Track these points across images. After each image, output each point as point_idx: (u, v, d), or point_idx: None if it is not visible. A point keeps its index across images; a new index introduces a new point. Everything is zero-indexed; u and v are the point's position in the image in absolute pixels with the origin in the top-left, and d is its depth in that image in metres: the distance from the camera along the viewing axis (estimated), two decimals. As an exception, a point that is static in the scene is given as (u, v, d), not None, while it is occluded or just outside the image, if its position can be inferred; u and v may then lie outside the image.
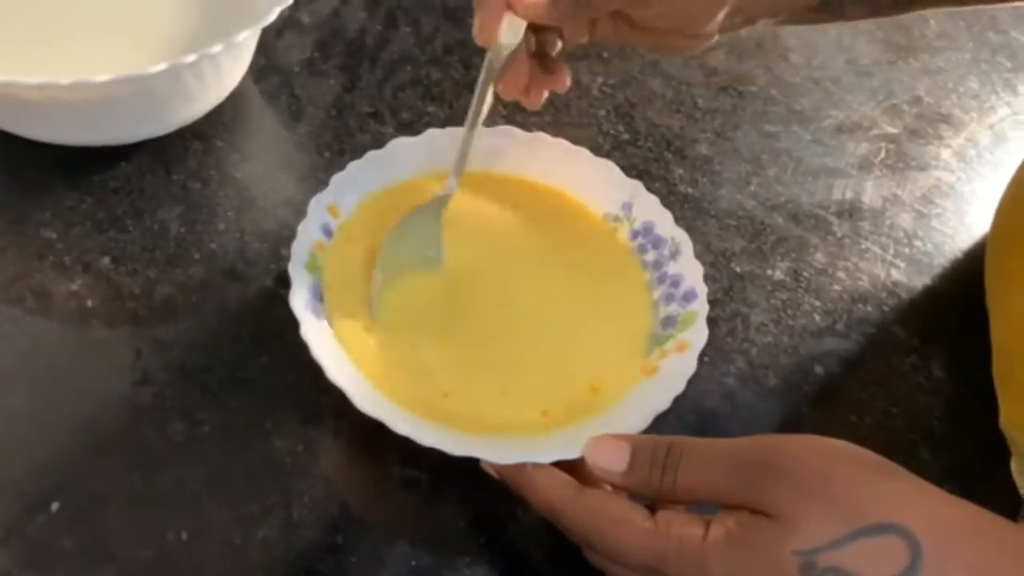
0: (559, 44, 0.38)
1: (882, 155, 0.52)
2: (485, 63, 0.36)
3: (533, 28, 0.36)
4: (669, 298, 0.39)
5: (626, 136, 0.51)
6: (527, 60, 0.37)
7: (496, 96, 0.38)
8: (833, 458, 0.28)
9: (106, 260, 0.41)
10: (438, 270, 0.39)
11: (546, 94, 0.39)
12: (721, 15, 0.36)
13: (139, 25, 0.48)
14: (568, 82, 0.39)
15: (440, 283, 0.39)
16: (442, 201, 0.39)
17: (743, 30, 0.39)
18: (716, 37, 0.38)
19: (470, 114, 0.38)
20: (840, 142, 0.53)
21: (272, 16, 0.41)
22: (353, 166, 0.39)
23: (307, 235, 0.36)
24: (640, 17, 0.37)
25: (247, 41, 0.44)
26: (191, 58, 0.39)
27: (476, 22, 0.35)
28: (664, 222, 0.41)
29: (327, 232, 0.38)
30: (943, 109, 0.56)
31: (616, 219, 0.42)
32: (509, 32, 0.35)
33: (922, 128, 0.54)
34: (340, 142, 0.48)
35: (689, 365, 0.35)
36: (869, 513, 0.26)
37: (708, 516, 0.29)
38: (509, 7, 0.35)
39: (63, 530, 0.33)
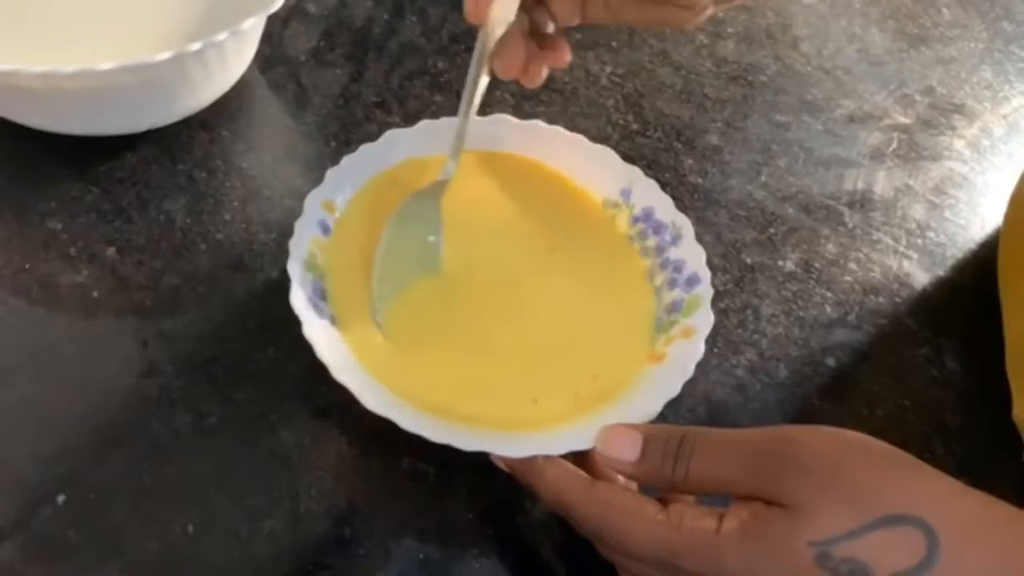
0: (551, 24, 0.37)
1: (894, 145, 0.52)
2: (478, 42, 0.35)
3: (525, 7, 0.36)
4: (672, 283, 0.38)
5: (635, 126, 0.50)
6: (523, 38, 0.36)
7: (495, 79, 0.37)
8: (848, 449, 0.27)
9: (112, 251, 0.41)
10: (438, 257, 0.39)
11: (545, 72, 0.38)
12: None
13: (144, 13, 0.47)
14: (568, 57, 0.38)
15: (440, 275, 0.38)
16: (440, 186, 0.38)
17: (736, 2, 0.37)
18: (710, 10, 0.36)
19: (464, 95, 0.37)
20: (851, 132, 0.52)
21: (278, 4, 0.41)
22: (347, 159, 0.39)
23: (304, 232, 0.36)
24: None
25: (253, 29, 0.44)
26: (196, 46, 0.39)
27: (470, 2, 0.34)
28: (664, 207, 0.40)
29: (324, 228, 0.37)
30: (956, 99, 0.55)
31: (615, 205, 0.41)
32: (502, 10, 0.34)
33: (935, 118, 0.54)
34: (347, 132, 0.47)
35: (696, 350, 0.35)
36: (885, 504, 0.26)
37: (720, 508, 0.28)
38: None
39: (69, 522, 0.33)
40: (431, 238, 0.39)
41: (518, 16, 0.35)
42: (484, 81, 0.36)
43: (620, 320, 0.38)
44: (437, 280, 0.38)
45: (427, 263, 0.38)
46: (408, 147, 0.40)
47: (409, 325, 0.36)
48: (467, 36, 0.54)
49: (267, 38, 0.49)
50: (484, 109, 0.49)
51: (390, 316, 0.36)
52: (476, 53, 0.36)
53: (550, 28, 0.37)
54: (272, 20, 0.46)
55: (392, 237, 0.37)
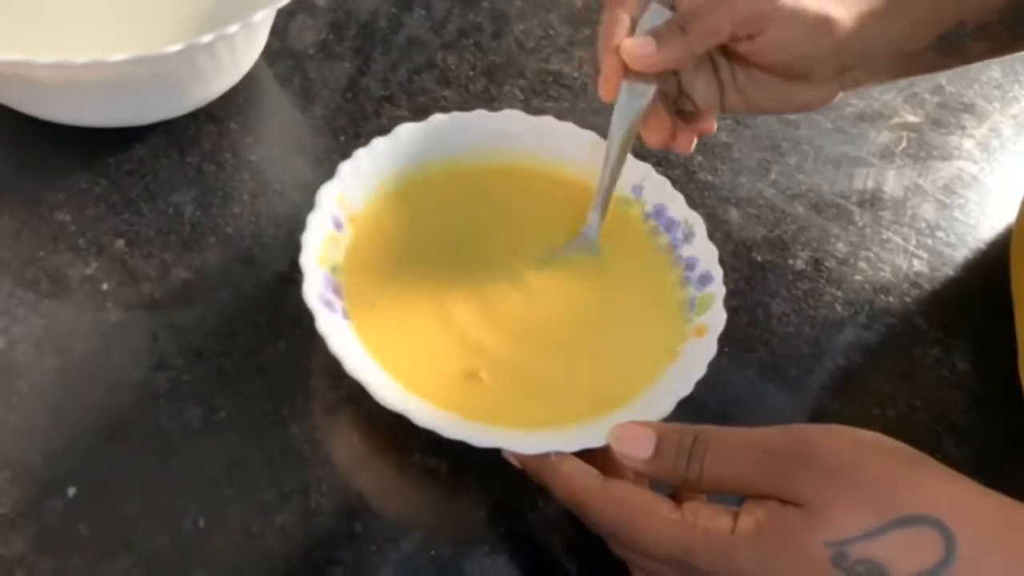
0: (691, 107, 0.40)
1: (904, 144, 0.52)
2: (614, 116, 0.38)
3: (671, 95, 0.39)
4: (685, 281, 0.38)
5: (645, 122, 0.50)
6: (666, 112, 0.39)
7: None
8: (863, 448, 0.27)
9: (121, 243, 0.40)
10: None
11: (695, 139, 0.40)
12: (831, 53, 0.36)
13: (155, 5, 0.47)
14: (714, 127, 0.41)
15: (458, 273, 0.38)
16: (588, 244, 0.39)
17: (869, 83, 0.40)
18: (839, 90, 0.39)
19: (604, 165, 0.38)
20: (861, 130, 0.52)
21: (289, -4, 0.41)
22: (360, 154, 0.39)
23: (317, 226, 0.36)
24: (751, 52, 0.37)
25: (263, 22, 0.44)
26: (207, 38, 0.38)
27: (600, 80, 0.37)
28: (676, 204, 0.40)
29: (337, 223, 0.37)
30: (965, 98, 0.55)
31: (627, 202, 0.41)
32: (636, 90, 0.37)
33: (944, 117, 0.54)
34: (356, 126, 0.47)
35: (709, 348, 0.35)
36: (902, 504, 0.26)
37: (734, 508, 0.28)
38: (625, 68, 0.36)
39: (79, 515, 0.33)
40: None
41: (662, 95, 0.38)
42: (629, 148, 0.39)
43: (634, 317, 0.38)
44: (454, 278, 0.38)
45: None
46: (421, 142, 0.40)
47: (426, 324, 0.36)
48: (475, 30, 0.54)
49: (274, 31, 0.49)
50: (493, 105, 0.50)
51: (407, 313, 0.36)
52: (613, 127, 0.38)
53: (691, 108, 0.40)
54: (279, 13, 0.46)
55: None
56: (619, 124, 0.38)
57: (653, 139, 0.39)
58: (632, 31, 0.37)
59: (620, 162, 0.38)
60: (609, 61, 0.37)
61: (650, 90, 0.37)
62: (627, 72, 0.37)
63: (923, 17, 0.37)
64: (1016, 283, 0.42)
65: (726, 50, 0.38)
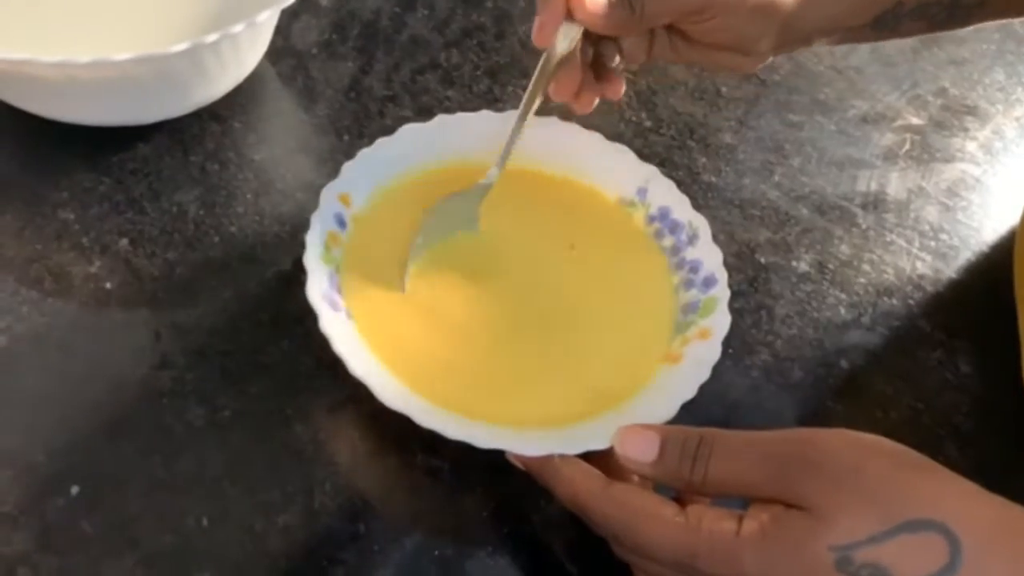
0: (617, 58, 0.39)
1: (907, 146, 0.52)
2: (540, 63, 0.37)
3: (593, 38, 0.38)
4: (689, 284, 0.38)
5: (648, 123, 0.50)
6: (580, 66, 0.38)
7: (545, 96, 0.38)
8: (868, 452, 0.27)
9: (124, 242, 0.40)
10: (465, 257, 0.38)
11: (596, 100, 0.39)
12: (773, 32, 0.37)
13: (159, 4, 0.47)
14: (622, 91, 0.40)
15: (460, 272, 0.38)
16: (482, 189, 0.38)
17: (799, 49, 0.40)
18: (770, 57, 0.39)
19: (521, 108, 0.38)
20: (864, 133, 0.52)
21: (293, -4, 0.41)
22: (363, 153, 0.39)
23: (321, 225, 0.36)
24: (694, 32, 0.37)
25: (267, 22, 0.44)
26: (212, 38, 0.38)
27: (536, 23, 0.37)
28: (681, 207, 0.40)
29: (340, 222, 0.37)
30: (969, 101, 0.55)
31: (631, 204, 0.41)
32: (564, 37, 0.36)
33: (947, 120, 0.54)
34: (359, 125, 0.47)
35: (713, 352, 0.35)
36: (907, 509, 0.26)
37: (738, 511, 0.28)
38: (568, 13, 0.36)
39: (83, 514, 0.33)
40: (468, 231, 0.39)
41: (582, 46, 0.37)
42: (538, 101, 0.38)
43: (641, 319, 0.38)
44: (455, 278, 0.38)
45: (449, 265, 0.38)
46: (424, 142, 0.40)
47: (428, 325, 0.36)
48: (478, 30, 0.54)
49: (278, 30, 0.49)
50: (496, 105, 0.50)
51: (410, 313, 0.36)
52: (536, 72, 0.37)
53: (615, 62, 0.39)
54: (283, 13, 0.46)
55: (427, 232, 0.37)
56: (544, 68, 0.37)
57: (559, 91, 0.38)
58: None
59: (530, 108, 0.38)
60: (553, 5, 0.36)
61: (577, 34, 0.36)
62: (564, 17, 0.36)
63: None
64: (1019, 286, 0.42)
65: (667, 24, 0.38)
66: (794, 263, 0.45)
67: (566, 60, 0.37)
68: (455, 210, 0.38)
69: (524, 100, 0.37)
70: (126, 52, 0.37)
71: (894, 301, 0.44)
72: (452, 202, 0.38)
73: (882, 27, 0.39)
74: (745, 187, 0.48)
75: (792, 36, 0.38)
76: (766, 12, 0.37)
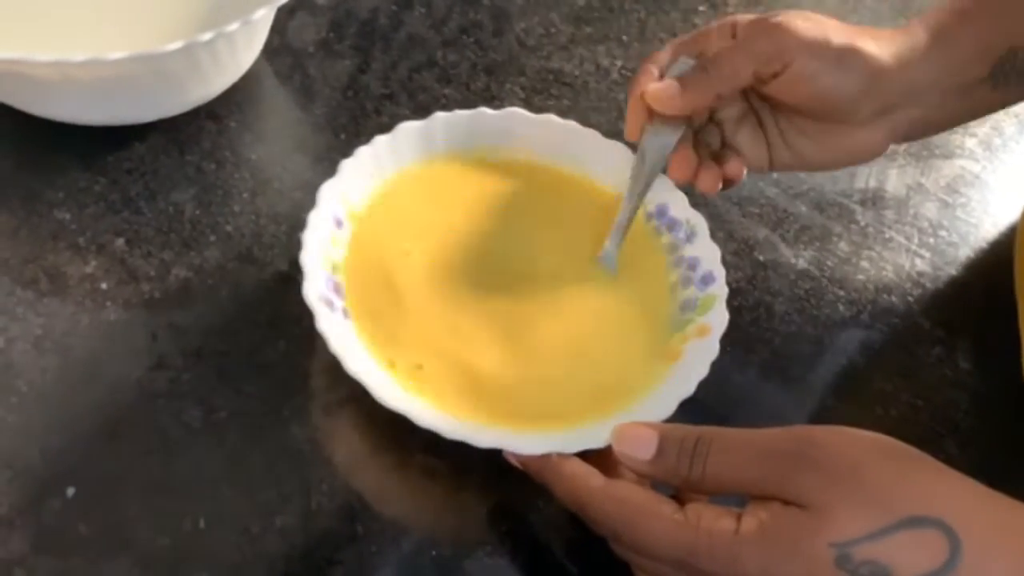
0: (719, 142, 0.40)
1: (906, 143, 0.51)
2: (637, 154, 0.39)
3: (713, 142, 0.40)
4: (687, 281, 0.38)
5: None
6: (691, 150, 0.39)
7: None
8: (867, 449, 0.27)
9: (120, 242, 0.40)
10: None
11: (721, 183, 0.39)
12: (867, 86, 0.36)
13: (155, 3, 0.47)
14: (741, 173, 0.40)
15: (458, 271, 0.38)
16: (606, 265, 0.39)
17: (924, 126, 0.39)
18: (887, 137, 0.38)
19: (627, 196, 0.39)
20: (863, 129, 0.52)
21: (289, -6, 0.41)
22: (361, 151, 0.38)
23: (318, 224, 0.36)
24: (780, 91, 0.37)
25: (263, 20, 0.43)
26: (207, 36, 0.38)
27: (626, 120, 0.39)
28: (678, 204, 0.40)
29: (338, 222, 0.37)
30: (967, 97, 0.55)
31: None
32: (662, 131, 0.38)
33: (946, 116, 0.53)
34: (356, 124, 0.47)
35: (712, 349, 0.35)
36: (906, 506, 0.25)
37: (736, 509, 0.28)
38: (650, 112, 0.38)
39: (79, 515, 0.33)
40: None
41: (687, 134, 0.39)
42: (644, 194, 0.39)
43: (636, 317, 0.37)
44: (453, 276, 0.38)
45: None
46: (422, 140, 0.40)
47: (427, 323, 0.36)
48: (475, 28, 0.53)
49: (274, 29, 0.49)
50: (493, 103, 0.49)
51: (409, 313, 0.36)
52: (636, 162, 0.39)
53: (718, 145, 0.40)
54: (279, 11, 0.46)
55: None
56: (640, 161, 0.39)
57: (675, 174, 0.39)
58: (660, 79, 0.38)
59: (639, 198, 0.39)
60: (633, 105, 0.38)
61: (676, 133, 0.38)
62: (653, 116, 0.38)
63: (970, 49, 0.37)
64: (1019, 282, 0.42)
65: (761, 97, 0.39)
66: (793, 260, 0.44)
67: (678, 149, 0.38)
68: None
69: (629, 190, 0.39)
70: (121, 51, 0.37)
71: (893, 298, 0.44)
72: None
73: (1001, 81, 0.37)
74: (744, 185, 0.47)
75: (898, 98, 0.37)
76: (849, 59, 0.35)
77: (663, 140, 0.38)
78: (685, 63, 0.38)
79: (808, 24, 0.35)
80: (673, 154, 0.39)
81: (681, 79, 0.37)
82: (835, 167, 0.41)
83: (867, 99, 0.36)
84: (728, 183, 0.40)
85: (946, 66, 0.37)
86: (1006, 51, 0.37)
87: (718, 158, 0.40)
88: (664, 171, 0.39)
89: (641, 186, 0.39)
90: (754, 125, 0.40)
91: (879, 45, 0.36)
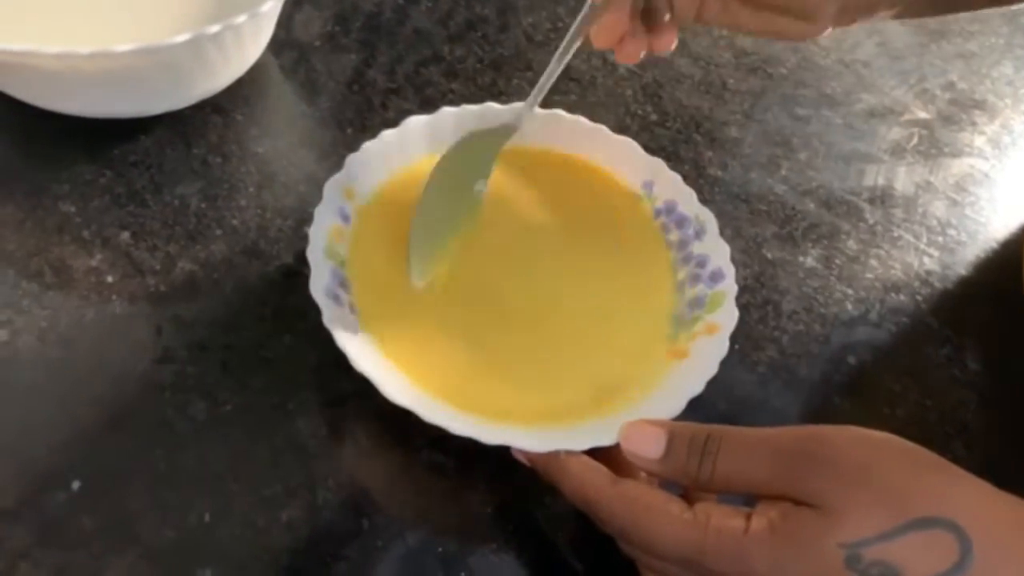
0: (667, 15, 0.37)
1: (914, 141, 0.51)
2: (587, 3, 0.35)
3: None
4: (695, 279, 0.38)
5: (654, 116, 0.49)
6: (628, 12, 0.35)
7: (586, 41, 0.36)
8: (878, 449, 0.27)
9: (126, 235, 0.40)
10: (478, 210, 0.38)
11: (643, 53, 0.37)
12: None
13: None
14: (673, 45, 0.37)
15: (465, 266, 0.38)
16: (505, 131, 0.36)
17: (860, 22, 0.36)
18: (830, 27, 0.36)
19: (563, 44, 0.36)
20: (872, 127, 0.51)
21: (296, -13, 0.40)
22: (367, 146, 0.38)
23: (324, 219, 0.36)
24: None
25: (270, 13, 0.43)
26: (214, 29, 0.38)
27: None
28: (687, 200, 0.40)
29: (344, 216, 0.37)
30: (977, 95, 0.55)
31: (637, 198, 0.41)
32: None
33: (955, 114, 0.53)
34: (362, 118, 0.47)
35: (721, 347, 0.35)
36: (917, 506, 0.25)
37: (746, 509, 0.28)
38: None
39: (84, 508, 0.32)
40: (478, 187, 0.37)
41: None
42: (578, 42, 0.36)
43: (641, 314, 0.37)
44: (460, 272, 0.37)
45: (467, 214, 0.37)
46: (429, 135, 0.40)
47: (434, 319, 0.36)
48: (481, 23, 0.53)
49: (280, 22, 0.49)
50: (500, 98, 0.49)
51: (415, 308, 0.36)
52: (583, 10, 0.35)
53: (664, 18, 0.37)
54: (285, 4, 0.46)
55: (438, 179, 0.36)
56: (585, 12, 0.35)
57: (601, 35, 0.36)
58: None
59: (569, 47, 0.36)
60: None
61: None
62: None
63: None
64: (1028, 282, 0.42)
65: None
66: (801, 258, 0.44)
67: (611, 4, 0.35)
68: (473, 152, 0.36)
69: (568, 37, 0.36)
70: (128, 43, 0.37)
71: (901, 297, 0.44)
72: (471, 141, 0.36)
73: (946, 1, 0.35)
74: (752, 181, 0.47)
75: (856, 5, 0.35)
76: None
77: None
78: None
79: None
80: (608, 13, 0.35)
81: None
82: (765, 38, 0.39)
83: (831, 6, 0.34)
84: (648, 55, 0.37)
85: None
86: None
87: (645, 15, 0.37)
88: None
89: (580, 29, 0.35)
90: None
91: None
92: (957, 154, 0.51)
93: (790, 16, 0.35)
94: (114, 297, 0.38)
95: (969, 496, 0.26)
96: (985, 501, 0.26)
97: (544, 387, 0.35)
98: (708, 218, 0.39)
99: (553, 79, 0.37)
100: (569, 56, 0.37)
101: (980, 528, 0.25)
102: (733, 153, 0.48)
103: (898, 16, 0.37)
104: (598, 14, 0.35)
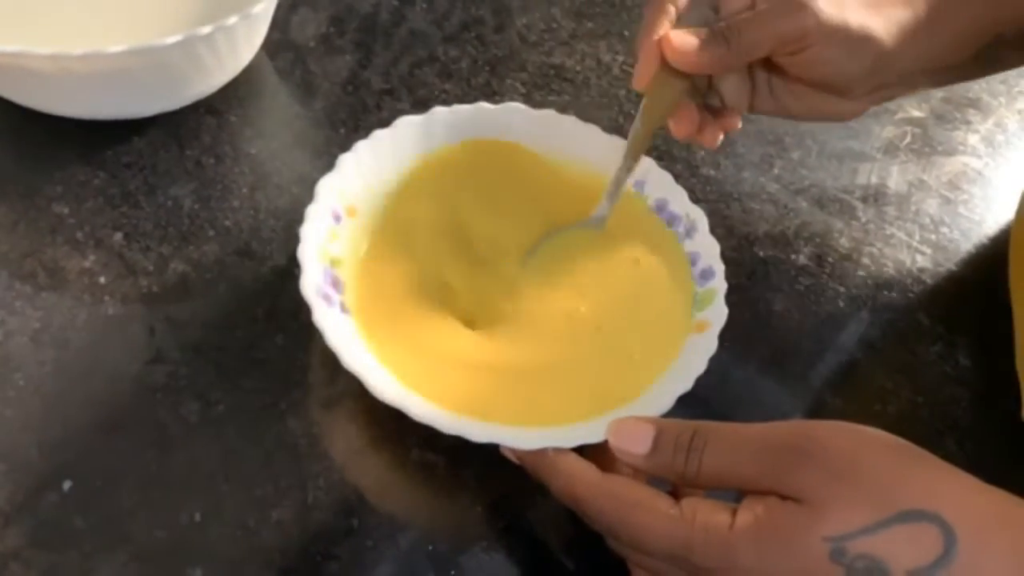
0: (720, 104, 0.40)
1: (908, 139, 0.51)
2: (643, 104, 0.37)
3: (700, 90, 0.39)
4: (686, 276, 0.38)
5: (647, 117, 0.49)
6: (694, 106, 0.38)
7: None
8: (863, 443, 0.27)
9: (119, 236, 0.40)
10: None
11: (721, 136, 0.40)
12: (870, 68, 0.36)
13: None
14: (739, 124, 0.41)
15: (457, 266, 0.38)
16: (595, 223, 0.39)
17: (901, 96, 0.39)
18: (869, 105, 0.39)
19: (628, 147, 0.38)
20: (865, 125, 0.51)
21: (288, -12, 0.41)
22: (360, 146, 0.38)
23: (317, 219, 0.36)
24: (792, 66, 0.36)
25: (262, 14, 0.43)
26: (206, 30, 0.38)
27: (635, 69, 0.37)
28: (678, 199, 0.40)
29: (336, 216, 0.37)
30: (970, 93, 0.55)
31: (628, 196, 0.41)
32: (668, 82, 0.36)
33: (949, 112, 0.53)
34: (356, 119, 0.47)
35: (710, 345, 0.35)
36: (901, 500, 0.25)
37: (732, 504, 0.28)
38: (663, 59, 0.36)
39: (75, 509, 0.33)
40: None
41: (693, 93, 0.38)
42: (647, 142, 0.38)
43: (645, 312, 0.37)
44: (454, 271, 0.38)
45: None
46: (421, 135, 0.40)
47: (426, 317, 0.36)
48: (476, 24, 0.53)
49: (275, 23, 0.49)
50: (494, 98, 0.49)
51: (408, 306, 0.36)
52: (639, 115, 0.38)
53: (718, 106, 0.40)
54: (280, 5, 0.46)
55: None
56: (647, 113, 0.37)
57: (680, 131, 0.38)
58: (674, 25, 0.36)
59: (640, 151, 0.38)
60: (647, 51, 0.36)
61: (682, 85, 0.37)
62: (662, 64, 0.36)
63: (963, 31, 0.37)
64: (1014, 280, 0.42)
65: (765, 60, 0.38)
66: (793, 256, 0.44)
67: (678, 105, 0.37)
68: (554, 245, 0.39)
69: (630, 143, 0.38)
70: (121, 44, 0.37)
71: (894, 294, 0.44)
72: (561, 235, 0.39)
73: (982, 62, 0.38)
74: (744, 180, 0.47)
75: (891, 77, 0.37)
76: (863, 46, 0.35)
77: (670, 91, 0.37)
78: (700, 10, 0.36)
79: (830, 4, 0.35)
80: (680, 110, 0.38)
81: (700, 36, 0.35)
82: (809, 121, 0.43)
83: (866, 81, 0.37)
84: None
85: (939, 49, 0.37)
86: (994, 35, 0.37)
87: (706, 104, 0.39)
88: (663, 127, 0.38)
89: (643, 140, 0.38)
90: (743, 73, 0.39)
91: (887, 23, 0.35)
92: (950, 152, 0.51)
93: (830, 94, 0.38)
94: (107, 298, 0.38)
95: (954, 489, 0.26)
96: (969, 494, 0.26)
97: (535, 386, 0.35)
98: (699, 216, 0.39)
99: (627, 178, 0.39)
100: (639, 161, 0.39)
101: (964, 521, 0.25)
102: (726, 152, 0.48)
103: (940, 84, 0.39)
104: (673, 113, 0.38)
